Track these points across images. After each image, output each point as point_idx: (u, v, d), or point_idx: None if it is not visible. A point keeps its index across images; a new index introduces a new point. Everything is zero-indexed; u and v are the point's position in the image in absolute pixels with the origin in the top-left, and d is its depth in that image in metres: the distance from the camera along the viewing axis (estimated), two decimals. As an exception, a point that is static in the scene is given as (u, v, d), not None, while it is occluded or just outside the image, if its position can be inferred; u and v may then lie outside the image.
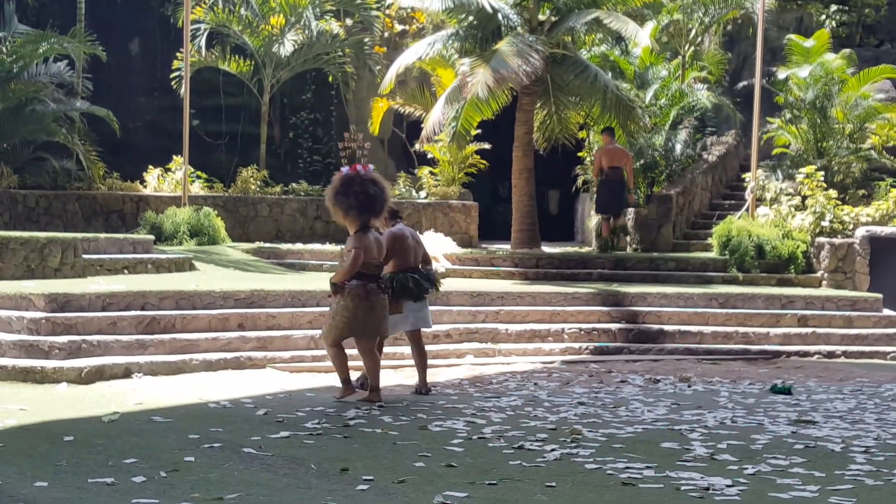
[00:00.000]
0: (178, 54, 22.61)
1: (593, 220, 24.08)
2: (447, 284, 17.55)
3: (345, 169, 11.11)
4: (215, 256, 18.32)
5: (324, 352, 14.41)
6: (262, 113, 24.35)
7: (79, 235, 16.44)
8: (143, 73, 26.62)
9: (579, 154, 23.89)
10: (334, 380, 13.16)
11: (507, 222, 22.50)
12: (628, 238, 22.27)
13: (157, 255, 17.03)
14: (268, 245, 20.20)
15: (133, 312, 13.54)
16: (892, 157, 22.41)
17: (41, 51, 22.78)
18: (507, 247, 21.34)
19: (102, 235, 17.43)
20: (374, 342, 11.19)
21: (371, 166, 11.31)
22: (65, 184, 22.56)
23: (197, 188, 22.31)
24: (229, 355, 13.56)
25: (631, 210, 22.36)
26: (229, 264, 17.88)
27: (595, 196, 21.93)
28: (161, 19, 26.26)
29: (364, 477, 7.39)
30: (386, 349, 14.91)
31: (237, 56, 24.43)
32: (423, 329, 12.19)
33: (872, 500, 7.00)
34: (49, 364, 11.87)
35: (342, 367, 11.15)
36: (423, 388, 11.94)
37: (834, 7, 27.85)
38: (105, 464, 7.65)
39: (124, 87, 26.37)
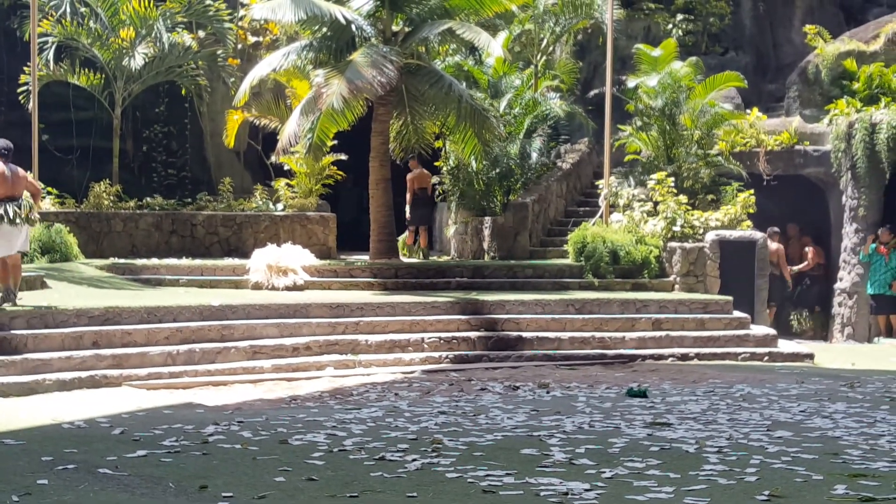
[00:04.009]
0: (25, 68, 22.07)
1: (451, 229, 24.34)
2: (306, 296, 17.59)
3: None
4: (68, 274, 17.94)
5: (182, 368, 14.34)
6: (115, 127, 23.90)
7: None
8: (-11, 88, 25.98)
9: (436, 164, 24.01)
10: (192, 396, 13.09)
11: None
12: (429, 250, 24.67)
13: (7, 274, 16.61)
14: (122, 261, 19.81)
15: (-18, 333, 13.22)
16: (738, 163, 22.97)
17: None
18: (366, 257, 21.31)
19: (-52, 255, 16.93)
20: None
21: None
22: None
23: (48, 204, 21.73)
24: (84, 374, 13.32)
25: (488, 219, 22.57)
26: (83, 281, 17.53)
27: (409, 212, 24.11)
28: (6, 32, 25.65)
29: (224, 494, 7.32)
30: (244, 363, 14.91)
31: (87, 69, 23.92)
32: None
33: (725, 499, 7.17)
34: None
35: None
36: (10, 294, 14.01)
37: (680, 16, 28.52)
38: (-45, 490, 7.44)
39: (-31, 103, 25.71)
